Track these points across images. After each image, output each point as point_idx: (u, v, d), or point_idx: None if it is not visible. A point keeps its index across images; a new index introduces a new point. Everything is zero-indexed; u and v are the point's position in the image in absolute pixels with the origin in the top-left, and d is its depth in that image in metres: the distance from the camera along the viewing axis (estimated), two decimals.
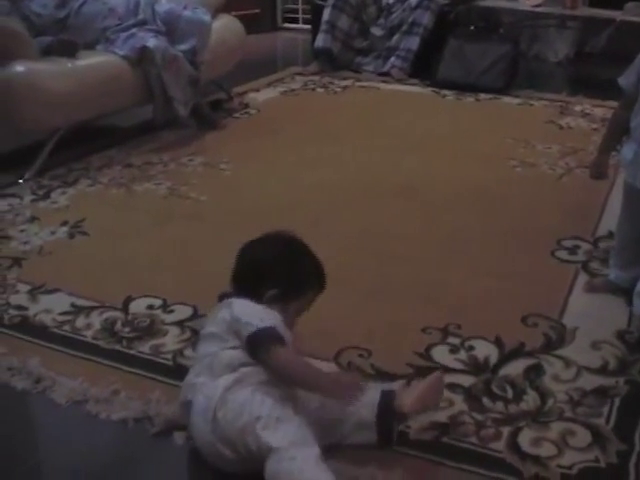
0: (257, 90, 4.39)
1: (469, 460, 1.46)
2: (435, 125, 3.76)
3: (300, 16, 6.60)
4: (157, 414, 1.56)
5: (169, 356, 1.79)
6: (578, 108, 4.04)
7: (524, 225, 2.55)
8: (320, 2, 5.02)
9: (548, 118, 3.87)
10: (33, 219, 2.57)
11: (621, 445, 1.50)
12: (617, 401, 1.63)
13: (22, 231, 2.48)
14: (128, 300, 2.04)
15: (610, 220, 2.44)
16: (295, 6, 6.67)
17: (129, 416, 1.57)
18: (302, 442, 1.29)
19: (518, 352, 1.81)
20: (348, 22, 4.84)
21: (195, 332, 1.88)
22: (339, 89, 4.49)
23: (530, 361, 1.78)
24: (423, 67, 4.65)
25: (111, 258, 2.31)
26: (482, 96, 4.31)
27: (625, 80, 1.91)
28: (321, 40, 4.83)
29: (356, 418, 1.45)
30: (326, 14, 4.82)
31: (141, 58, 3.24)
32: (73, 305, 2.02)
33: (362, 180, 2.96)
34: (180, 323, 1.93)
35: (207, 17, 3.55)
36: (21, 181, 2.91)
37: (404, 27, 4.76)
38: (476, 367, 1.75)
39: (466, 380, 1.70)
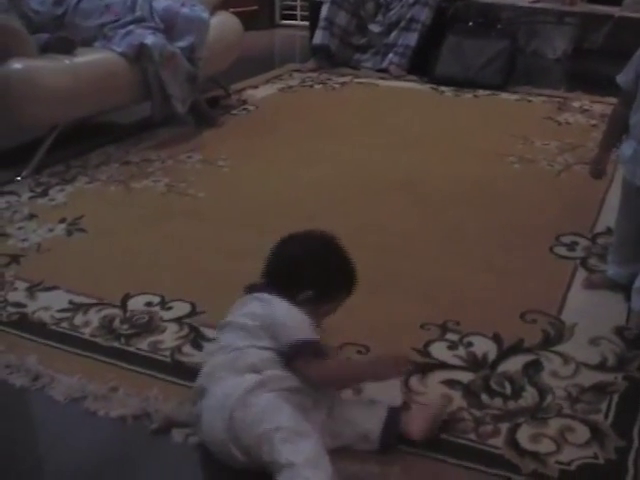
0: (255, 87, 4.39)
1: (468, 456, 1.46)
2: (433, 121, 3.76)
3: (298, 13, 6.60)
4: (156, 411, 1.56)
5: (167, 353, 1.79)
6: (576, 104, 4.04)
7: (522, 221, 2.55)
8: None
9: (546, 114, 3.86)
10: (31, 216, 2.57)
11: (620, 441, 1.50)
12: (616, 397, 1.63)
13: (20, 228, 2.48)
14: (126, 297, 2.04)
15: (608, 216, 2.44)
16: (293, 3, 6.66)
17: (127, 413, 1.57)
18: (317, 462, 1.27)
19: (517, 348, 1.81)
20: (346, 19, 4.83)
21: (194, 329, 1.88)
22: (337, 86, 4.49)
23: (529, 357, 1.77)
24: (421, 63, 4.64)
25: (109, 255, 2.30)
26: (480, 92, 4.31)
27: (623, 77, 1.91)
28: (319, 37, 4.82)
29: (361, 429, 1.45)
30: (324, 11, 4.81)
31: (139, 55, 3.23)
32: (71, 302, 2.02)
33: (360, 176, 2.96)
34: (179, 320, 1.93)
35: (205, 14, 3.55)
36: (19, 178, 2.91)
37: (402, 23, 4.75)
38: (475, 363, 1.75)
39: (464, 376, 1.70)
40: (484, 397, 1.63)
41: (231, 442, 1.35)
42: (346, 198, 2.73)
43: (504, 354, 1.79)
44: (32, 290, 2.08)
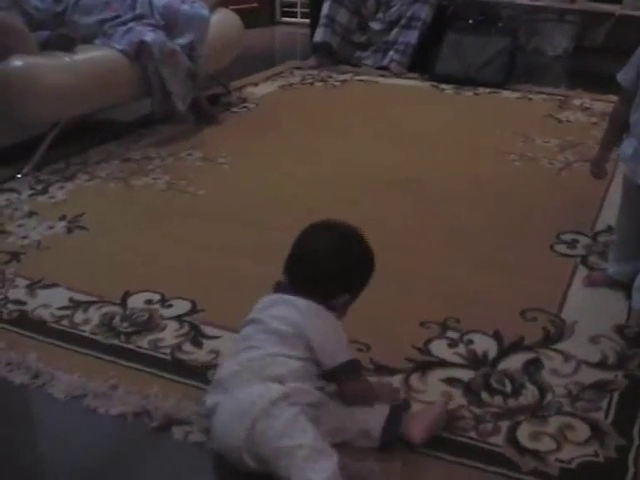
0: (255, 84, 4.39)
1: (468, 454, 1.46)
2: (434, 119, 3.76)
3: (298, 10, 6.59)
4: (156, 408, 1.56)
5: (167, 351, 1.79)
6: (577, 102, 4.04)
7: (523, 219, 2.55)
8: None
9: (547, 112, 3.86)
10: (31, 214, 2.57)
11: (620, 439, 1.50)
12: (616, 395, 1.63)
13: (20, 226, 2.48)
14: (126, 295, 2.04)
15: (609, 214, 2.44)
16: (293, 0, 6.65)
17: (128, 411, 1.57)
18: None
19: (517, 346, 1.81)
20: (347, 16, 4.83)
21: (194, 326, 1.88)
22: (338, 83, 4.49)
23: (529, 355, 1.77)
24: (422, 61, 4.64)
25: (109, 253, 2.30)
26: (481, 90, 4.30)
27: (623, 76, 1.90)
28: (320, 34, 4.82)
29: (362, 426, 1.45)
30: (325, 8, 4.81)
31: (139, 52, 3.22)
32: (71, 300, 2.02)
33: (360, 174, 2.96)
34: (179, 318, 1.93)
35: (205, 11, 3.55)
36: (19, 176, 2.91)
37: (403, 21, 4.75)
38: (475, 361, 1.75)
39: (465, 374, 1.70)
40: (484, 395, 1.63)
41: (247, 451, 1.33)
42: (346, 195, 2.73)
43: (504, 352, 1.79)
44: (32, 288, 2.08)
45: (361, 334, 1.82)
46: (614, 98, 2.02)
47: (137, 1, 3.46)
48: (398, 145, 3.31)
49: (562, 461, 1.44)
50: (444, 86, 4.39)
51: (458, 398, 1.62)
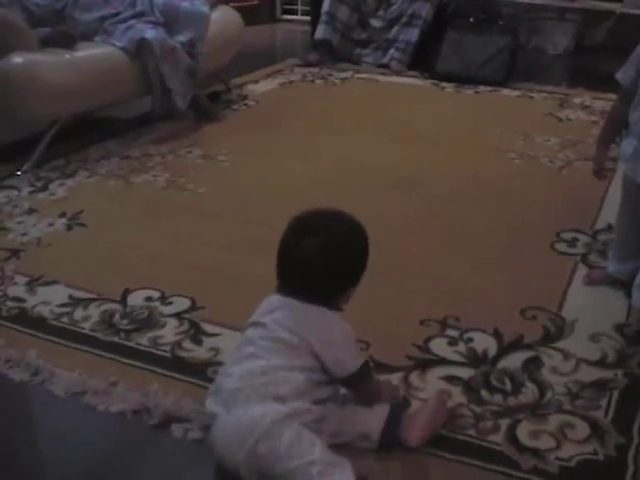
0: (256, 82, 4.39)
1: (467, 452, 1.46)
2: (434, 117, 3.76)
3: (299, 7, 6.59)
4: (155, 406, 1.56)
5: (167, 348, 1.79)
6: (577, 100, 4.04)
7: (523, 217, 2.55)
8: None
9: (547, 110, 3.86)
10: (31, 211, 2.57)
11: (620, 438, 1.50)
12: (616, 394, 1.63)
13: (20, 223, 2.48)
14: (126, 292, 2.03)
15: (609, 213, 2.44)
16: None
17: (127, 408, 1.57)
18: None
19: (517, 344, 1.81)
20: (348, 13, 4.83)
21: (194, 324, 1.88)
22: (338, 81, 4.49)
23: (529, 353, 1.77)
24: (422, 59, 4.64)
25: (109, 250, 2.30)
26: (481, 88, 4.30)
27: (623, 75, 1.90)
28: (321, 31, 4.82)
29: (362, 428, 1.45)
30: (326, 5, 4.81)
31: (139, 50, 3.22)
32: (71, 297, 2.02)
33: (360, 172, 2.96)
34: (178, 315, 1.93)
35: (206, 8, 3.55)
36: (19, 173, 2.91)
37: (403, 19, 4.75)
38: (475, 359, 1.75)
39: (465, 372, 1.70)
40: (484, 393, 1.63)
41: (247, 470, 1.32)
42: (346, 193, 2.72)
43: (504, 350, 1.79)
44: (32, 285, 2.08)
45: (361, 332, 1.81)
46: (614, 97, 2.02)
47: None
48: (398, 143, 3.31)
49: (562, 459, 1.44)
50: (444, 84, 4.39)
51: (458, 396, 1.62)
